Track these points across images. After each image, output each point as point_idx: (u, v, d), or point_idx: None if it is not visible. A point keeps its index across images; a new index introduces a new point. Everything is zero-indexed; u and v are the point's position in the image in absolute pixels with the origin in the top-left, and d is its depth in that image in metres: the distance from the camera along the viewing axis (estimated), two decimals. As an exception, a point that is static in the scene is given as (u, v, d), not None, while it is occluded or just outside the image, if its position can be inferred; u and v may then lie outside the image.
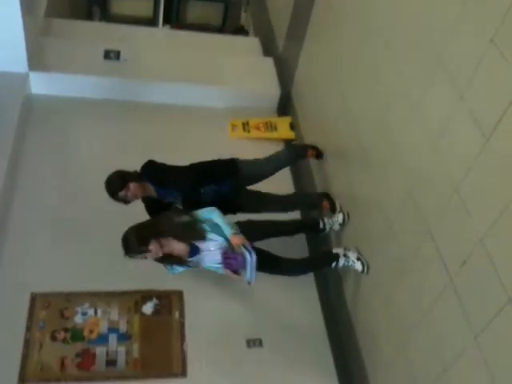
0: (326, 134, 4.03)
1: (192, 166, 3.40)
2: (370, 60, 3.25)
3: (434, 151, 2.47)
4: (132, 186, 3.16)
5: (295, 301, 3.66)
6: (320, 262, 3.57)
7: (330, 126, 3.94)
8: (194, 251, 3.05)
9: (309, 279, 3.75)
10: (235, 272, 3.10)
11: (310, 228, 3.75)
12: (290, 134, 4.78)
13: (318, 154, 4.01)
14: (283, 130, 4.81)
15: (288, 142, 4.71)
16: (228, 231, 3.01)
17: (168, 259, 3.06)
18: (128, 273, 3.45)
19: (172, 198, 3.33)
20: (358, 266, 3.19)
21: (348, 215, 3.50)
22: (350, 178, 3.55)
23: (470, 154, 2.18)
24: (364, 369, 3.19)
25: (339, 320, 3.59)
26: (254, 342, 3.39)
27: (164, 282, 3.51)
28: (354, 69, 3.53)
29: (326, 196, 3.79)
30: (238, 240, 2.97)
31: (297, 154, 4.10)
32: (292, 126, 4.83)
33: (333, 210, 3.66)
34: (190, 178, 3.31)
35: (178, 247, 3.02)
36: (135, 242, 2.89)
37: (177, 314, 3.49)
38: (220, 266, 3.10)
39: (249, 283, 3.06)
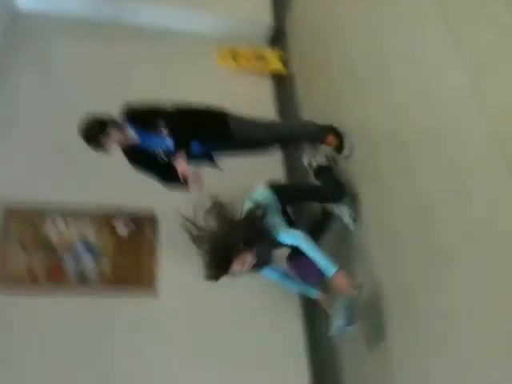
0: (319, 73, 3.87)
1: (180, 111, 3.02)
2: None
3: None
4: (113, 131, 2.88)
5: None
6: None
7: (325, 66, 3.76)
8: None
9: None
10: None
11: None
12: (281, 68, 4.66)
13: (340, 146, 3.21)
14: (273, 62, 4.68)
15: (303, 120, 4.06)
16: (330, 267, 2.44)
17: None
18: (102, 188, 3.47)
19: (156, 145, 3.01)
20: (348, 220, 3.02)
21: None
22: (342, 114, 3.37)
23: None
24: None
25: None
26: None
27: (138, 200, 3.53)
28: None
29: (333, 130, 3.25)
30: (343, 281, 2.44)
31: (307, 133, 3.34)
32: (283, 61, 4.69)
33: (339, 150, 3.20)
34: (179, 125, 2.94)
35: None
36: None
37: (150, 235, 3.52)
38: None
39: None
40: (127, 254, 3.43)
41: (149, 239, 3.50)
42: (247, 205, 2.65)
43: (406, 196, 2.55)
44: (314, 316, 3.50)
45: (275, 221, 2.63)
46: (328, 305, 2.80)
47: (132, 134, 2.96)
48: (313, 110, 3.93)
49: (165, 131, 2.90)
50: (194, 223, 2.52)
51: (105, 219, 3.50)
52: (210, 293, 3.28)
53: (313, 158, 3.23)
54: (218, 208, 2.54)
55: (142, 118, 2.96)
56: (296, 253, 2.63)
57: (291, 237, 2.53)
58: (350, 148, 3.16)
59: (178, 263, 3.41)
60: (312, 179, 3.23)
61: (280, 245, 2.60)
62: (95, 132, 2.86)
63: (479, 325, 1.97)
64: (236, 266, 2.45)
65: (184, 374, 3.15)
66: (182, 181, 2.81)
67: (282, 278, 2.90)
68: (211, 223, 2.51)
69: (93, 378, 3.06)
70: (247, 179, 3.00)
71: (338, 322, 2.52)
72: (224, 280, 2.53)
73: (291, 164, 4.09)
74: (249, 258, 2.49)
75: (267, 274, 2.84)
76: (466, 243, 2.07)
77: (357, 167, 3.09)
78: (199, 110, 3.06)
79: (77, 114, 2.99)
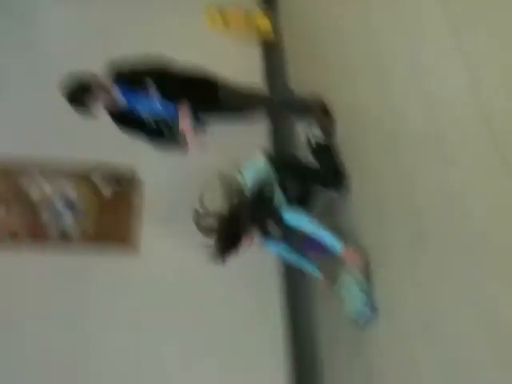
0: (310, 42, 3.76)
1: (169, 73, 2.92)
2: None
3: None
4: (98, 93, 2.75)
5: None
6: None
7: (315, 34, 3.68)
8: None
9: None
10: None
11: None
12: (270, 31, 4.57)
13: (327, 122, 3.12)
14: (263, 25, 4.59)
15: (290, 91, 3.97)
16: (337, 244, 2.46)
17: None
18: (84, 146, 3.45)
19: (143, 109, 2.92)
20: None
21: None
22: (330, 88, 3.30)
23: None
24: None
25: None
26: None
27: (122, 159, 3.51)
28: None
29: (322, 106, 3.16)
30: (354, 255, 2.45)
31: (295, 107, 3.30)
32: (272, 25, 4.61)
33: (325, 127, 3.12)
34: (168, 87, 2.87)
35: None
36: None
37: (134, 195, 3.50)
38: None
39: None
40: (110, 214, 3.42)
41: (132, 200, 3.49)
42: (249, 177, 2.64)
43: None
44: (294, 299, 3.53)
45: (278, 198, 2.64)
46: (332, 287, 2.73)
47: (118, 96, 2.85)
48: (301, 80, 3.88)
49: (153, 89, 2.80)
50: (202, 213, 2.54)
51: (88, 179, 3.47)
52: (192, 256, 3.27)
53: (311, 133, 3.11)
54: (228, 188, 2.55)
55: (129, 76, 2.84)
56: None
57: (296, 218, 2.54)
58: (333, 125, 3.11)
59: (161, 225, 3.43)
60: (309, 157, 3.11)
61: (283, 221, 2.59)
62: (79, 94, 2.73)
63: (463, 302, 1.97)
64: (244, 244, 2.49)
65: (162, 333, 3.20)
66: (181, 139, 2.71)
67: (286, 252, 2.88)
68: (219, 205, 2.52)
69: (72, 335, 3.09)
70: (233, 152, 3.07)
71: (357, 307, 2.44)
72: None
73: (278, 137, 4.06)
74: (256, 236, 2.53)
75: (272, 248, 2.85)
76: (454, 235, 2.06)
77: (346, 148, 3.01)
78: (189, 73, 2.99)
79: (58, 74, 2.92)
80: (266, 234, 2.60)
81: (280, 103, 3.33)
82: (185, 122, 2.69)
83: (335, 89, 3.23)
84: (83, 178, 3.47)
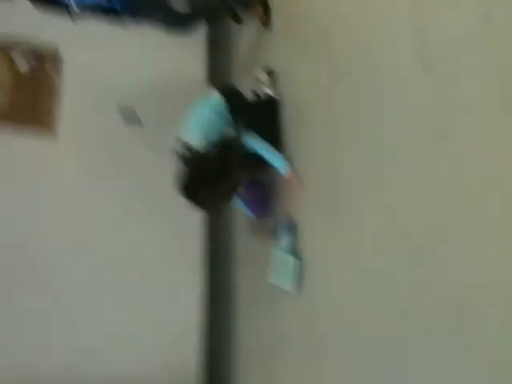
0: None
1: None
2: None
3: None
4: None
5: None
6: None
7: None
8: None
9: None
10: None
11: None
12: None
13: (266, 19, 3.00)
14: None
15: None
16: (282, 164, 2.49)
17: None
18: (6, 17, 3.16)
19: None
20: None
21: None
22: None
23: None
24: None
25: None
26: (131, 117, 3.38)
27: (41, 34, 3.28)
28: None
29: (263, 2, 3.02)
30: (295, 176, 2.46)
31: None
32: None
33: (265, 23, 3.03)
34: None
35: None
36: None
37: (53, 74, 3.31)
38: None
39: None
40: (26, 92, 3.21)
41: (51, 79, 3.28)
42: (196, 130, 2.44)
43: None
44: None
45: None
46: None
47: None
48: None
49: None
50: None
51: (7, 53, 3.22)
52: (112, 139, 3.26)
53: (260, 84, 2.88)
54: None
55: None
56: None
57: (251, 141, 2.51)
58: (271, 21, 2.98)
59: (79, 106, 3.30)
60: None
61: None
62: None
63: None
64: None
65: (76, 223, 3.18)
66: None
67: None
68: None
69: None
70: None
71: (285, 282, 2.45)
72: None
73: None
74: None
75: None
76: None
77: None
78: None
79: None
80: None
81: None
82: None
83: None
84: (1, 52, 3.21)
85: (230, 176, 2.35)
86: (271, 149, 2.52)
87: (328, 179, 2.22)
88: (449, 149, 1.47)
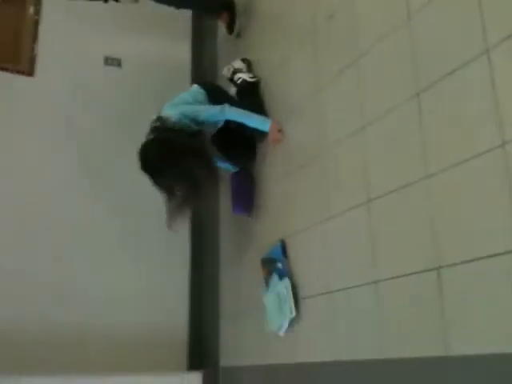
0: None
1: None
2: None
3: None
4: None
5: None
6: None
7: None
8: None
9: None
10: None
11: None
12: None
13: (231, 24, 3.11)
14: None
15: None
16: (263, 123, 2.51)
17: None
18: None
19: None
20: None
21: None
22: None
23: None
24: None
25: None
26: (112, 61, 3.35)
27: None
28: None
29: (229, 7, 3.10)
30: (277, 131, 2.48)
31: (202, 2, 3.19)
32: None
33: (230, 29, 3.13)
34: None
35: None
36: None
37: (31, 9, 3.22)
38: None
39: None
40: (3, 28, 3.15)
41: (29, 13, 3.18)
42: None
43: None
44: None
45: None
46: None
47: None
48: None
49: None
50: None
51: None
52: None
53: (233, 70, 2.92)
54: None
55: None
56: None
57: (219, 113, 2.51)
58: (239, 27, 3.07)
59: (56, 42, 3.25)
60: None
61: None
62: None
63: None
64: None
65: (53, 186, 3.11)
66: None
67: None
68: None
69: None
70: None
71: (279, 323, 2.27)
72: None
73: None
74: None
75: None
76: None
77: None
78: None
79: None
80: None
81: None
82: None
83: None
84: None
85: (195, 155, 2.34)
86: (253, 114, 2.53)
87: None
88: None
